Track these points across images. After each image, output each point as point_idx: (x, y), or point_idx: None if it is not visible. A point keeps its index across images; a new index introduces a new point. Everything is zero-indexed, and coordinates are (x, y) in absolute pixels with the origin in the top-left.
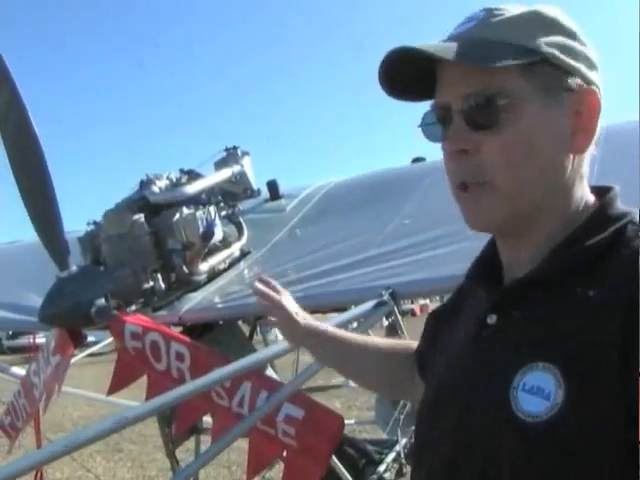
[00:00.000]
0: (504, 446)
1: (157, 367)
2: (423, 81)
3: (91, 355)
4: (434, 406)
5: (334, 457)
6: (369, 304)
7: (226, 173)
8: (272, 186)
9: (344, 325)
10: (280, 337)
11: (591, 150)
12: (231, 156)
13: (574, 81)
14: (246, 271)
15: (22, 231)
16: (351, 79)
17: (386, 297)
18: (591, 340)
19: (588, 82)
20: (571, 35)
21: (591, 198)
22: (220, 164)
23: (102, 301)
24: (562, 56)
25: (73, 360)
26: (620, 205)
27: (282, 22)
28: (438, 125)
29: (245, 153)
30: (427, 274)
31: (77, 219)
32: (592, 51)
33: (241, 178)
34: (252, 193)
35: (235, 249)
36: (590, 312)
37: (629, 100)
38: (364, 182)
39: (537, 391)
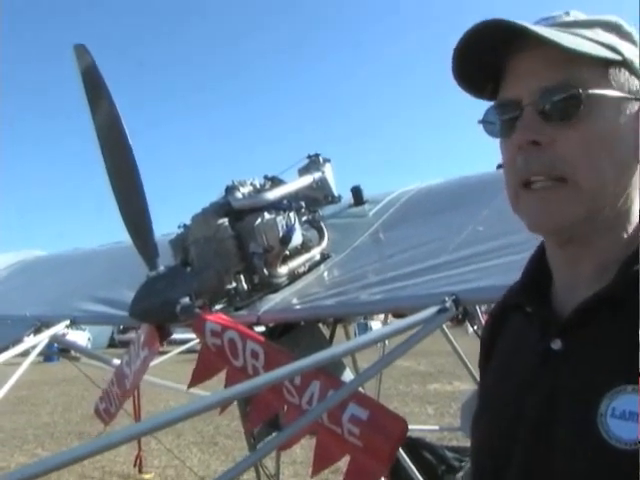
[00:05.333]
0: (600, 477)
1: (235, 364)
2: (482, 80)
3: (190, 352)
4: (498, 440)
5: (410, 462)
6: (432, 310)
7: (307, 180)
8: (356, 192)
9: (406, 330)
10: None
11: None
12: (313, 163)
13: None
14: (325, 274)
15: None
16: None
17: (449, 303)
18: None
19: None
20: None
21: None
22: (303, 171)
23: (186, 300)
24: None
25: (167, 357)
26: None
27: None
28: (504, 120)
29: (326, 160)
30: (492, 281)
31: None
32: None
33: (322, 184)
34: (333, 199)
35: (315, 253)
36: None
37: None
38: (446, 188)
39: (630, 416)
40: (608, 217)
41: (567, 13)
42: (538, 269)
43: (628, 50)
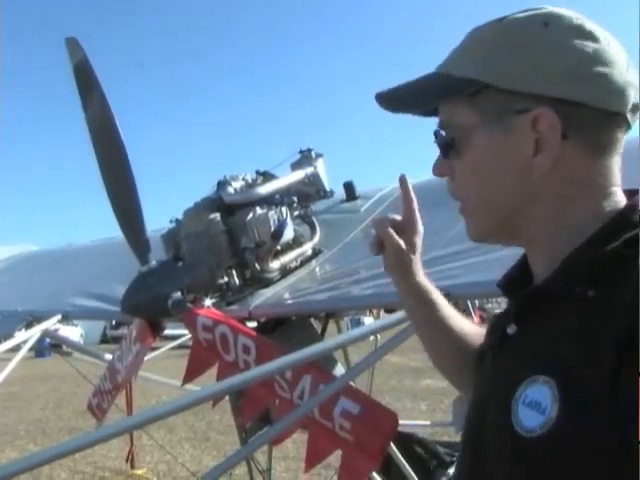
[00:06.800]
0: (507, 461)
1: (226, 358)
2: None
3: (182, 347)
4: (469, 426)
5: (402, 457)
6: None
7: (299, 175)
8: (348, 187)
9: (396, 324)
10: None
11: (615, 160)
12: (305, 158)
13: (523, 103)
14: (317, 269)
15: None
16: None
17: None
18: (588, 359)
19: (553, 99)
20: (542, 54)
21: (615, 205)
22: (295, 166)
23: (178, 294)
24: (507, 80)
25: (160, 352)
26: None
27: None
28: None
29: (319, 155)
30: (483, 277)
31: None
32: (590, 55)
33: (314, 179)
34: (325, 194)
35: (307, 248)
36: (591, 330)
37: None
38: (438, 183)
39: (535, 405)
40: (532, 219)
41: (501, 20)
42: (524, 264)
43: (495, 66)
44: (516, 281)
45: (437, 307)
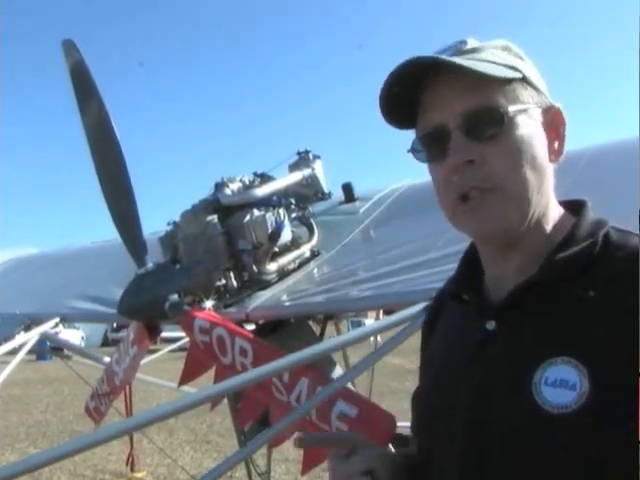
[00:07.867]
0: (535, 440)
1: (223, 361)
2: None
3: (184, 350)
4: (439, 414)
5: None
6: (420, 306)
7: (297, 176)
8: (347, 188)
9: (394, 326)
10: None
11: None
12: (303, 160)
13: (546, 100)
14: (315, 271)
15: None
16: None
17: None
18: (603, 334)
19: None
20: (531, 65)
21: (561, 210)
22: (293, 167)
23: (175, 297)
24: (536, 80)
25: (160, 354)
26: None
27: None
28: (432, 145)
29: (316, 157)
30: None
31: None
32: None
33: (312, 181)
34: (323, 195)
35: (305, 250)
36: (597, 310)
37: None
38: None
39: (561, 383)
40: (535, 219)
41: (464, 42)
42: (472, 262)
43: (523, 67)
44: (468, 283)
45: None
